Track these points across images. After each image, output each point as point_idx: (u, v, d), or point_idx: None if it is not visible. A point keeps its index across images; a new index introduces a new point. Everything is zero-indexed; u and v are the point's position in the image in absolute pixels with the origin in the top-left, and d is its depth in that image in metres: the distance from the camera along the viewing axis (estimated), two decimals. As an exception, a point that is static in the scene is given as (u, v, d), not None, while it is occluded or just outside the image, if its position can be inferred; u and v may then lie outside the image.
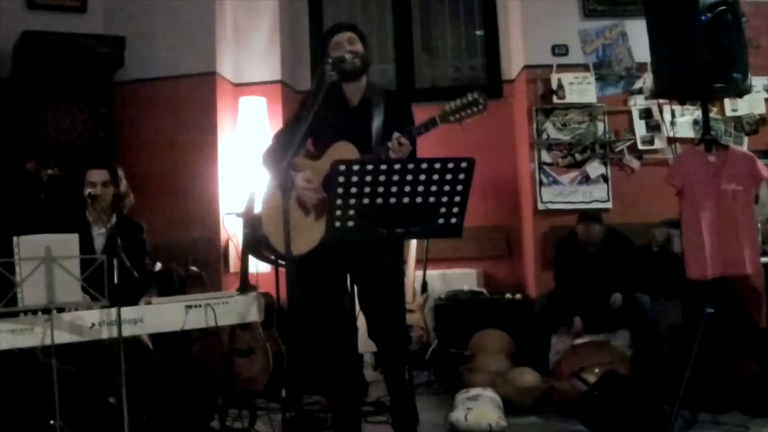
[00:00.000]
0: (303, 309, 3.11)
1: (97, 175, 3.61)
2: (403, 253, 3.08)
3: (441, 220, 2.40)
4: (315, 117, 2.84)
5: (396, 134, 2.76)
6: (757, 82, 4.47)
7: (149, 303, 3.30)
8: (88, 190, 3.55)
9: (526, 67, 5.26)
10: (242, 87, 5.47)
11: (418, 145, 2.96)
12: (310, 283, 3.01)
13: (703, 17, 3.32)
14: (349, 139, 2.88)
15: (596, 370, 3.85)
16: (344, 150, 2.88)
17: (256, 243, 4.04)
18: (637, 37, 4.98)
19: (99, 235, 3.57)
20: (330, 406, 3.22)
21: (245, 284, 3.75)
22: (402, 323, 3.06)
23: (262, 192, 3.17)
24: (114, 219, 3.64)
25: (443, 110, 2.74)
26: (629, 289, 4.35)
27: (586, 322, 4.38)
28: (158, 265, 4.50)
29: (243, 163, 5.17)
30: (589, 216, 4.56)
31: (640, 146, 5.14)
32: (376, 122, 2.92)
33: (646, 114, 5.15)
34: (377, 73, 5.76)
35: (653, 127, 5.14)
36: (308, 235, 2.82)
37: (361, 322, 3.08)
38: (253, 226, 3.92)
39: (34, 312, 2.84)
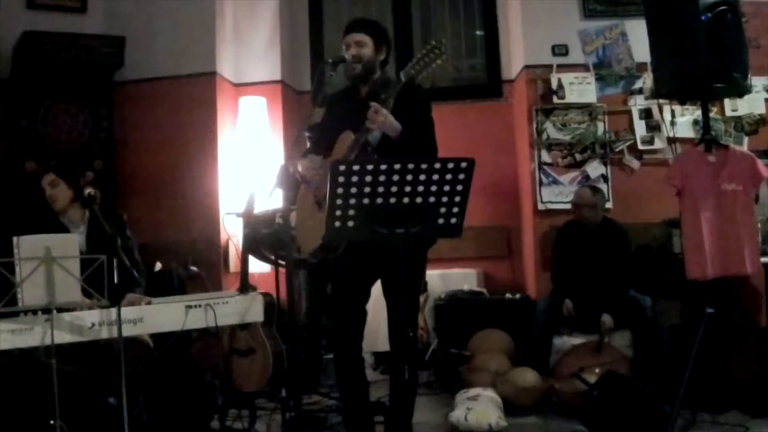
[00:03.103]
0: (333, 308, 3.13)
1: (44, 180, 3.60)
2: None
3: (441, 220, 2.40)
4: (333, 116, 2.88)
5: (372, 104, 2.78)
6: (757, 82, 4.46)
7: (149, 302, 3.31)
8: (46, 195, 3.57)
9: (526, 67, 5.26)
10: (242, 87, 5.47)
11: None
12: (341, 285, 3.04)
13: (703, 17, 3.33)
14: (357, 128, 2.90)
15: (596, 370, 3.86)
16: (344, 138, 2.92)
17: (256, 243, 4.05)
18: (637, 37, 4.97)
19: (79, 235, 3.56)
20: (343, 405, 3.22)
21: (245, 284, 3.75)
22: (416, 328, 3.09)
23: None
24: (86, 214, 3.62)
25: (406, 67, 2.76)
26: (624, 284, 4.36)
27: (587, 323, 4.38)
28: (158, 265, 4.51)
29: (243, 163, 5.17)
30: (584, 185, 4.64)
31: (640, 146, 5.14)
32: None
33: (646, 114, 5.15)
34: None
35: (653, 127, 5.13)
36: (318, 231, 2.84)
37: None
38: (253, 226, 3.93)
39: (34, 312, 2.84)
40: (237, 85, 5.46)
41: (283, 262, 3.94)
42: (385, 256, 2.87)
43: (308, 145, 3.33)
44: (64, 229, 3.54)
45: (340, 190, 2.30)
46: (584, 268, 4.47)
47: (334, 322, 3.15)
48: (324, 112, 3.23)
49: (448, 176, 2.33)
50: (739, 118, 5.08)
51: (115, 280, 2.93)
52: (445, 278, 5.27)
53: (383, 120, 2.75)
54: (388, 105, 2.77)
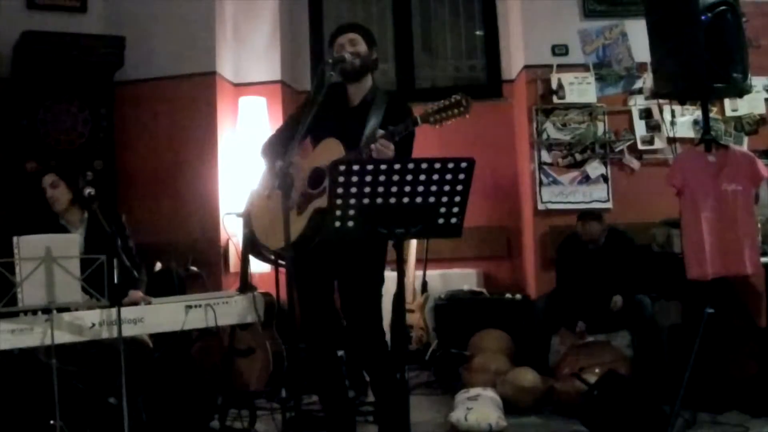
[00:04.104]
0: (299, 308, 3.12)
1: (45, 180, 3.59)
2: (385, 260, 3.06)
3: (441, 220, 2.39)
4: (316, 116, 2.86)
5: (379, 132, 2.77)
6: (757, 82, 4.46)
7: (149, 302, 3.31)
8: (46, 195, 3.56)
9: (526, 67, 5.26)
10: (242, 87, 5.47)
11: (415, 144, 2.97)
12: (301, 283, 3.03)
13: (703, 17, 3.32)
14: (342, 137, 2.89)
15: (596, 370, 3.85)
16: (331, 146, 2.89)
17: (256, 243, 4.04)
18: (637, 37, 4.97)
19: (78, 236, 3.56)
20: (322, 406, 3.22)
21: (245, 284, 3.75)
22: (380, 331, 3.02)
23: (252, 187, 3.17)
24: (85, 215, 3.62)
25: (425, 110, 2.73)
26: (631, 290, 4.35)
27: (587, 323, 4.37)
28: (158, 265, 4.51)
29: (243, 163, 5.17)
30: (586, 214, 4.59)
31: (640, 146, 5.14)
32: (372, 123, 2.92)
33: (646, 114, 5.15)
34: (377, 73, 5.76)
35: (653, 127, 5.14)
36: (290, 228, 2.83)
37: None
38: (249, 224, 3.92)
39: (34, 312, 2.85)
40: (237, 85, 5.46)
41: (283, 262, 3.93)
42: (342, 258, 2.88)
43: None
44: (63, 230, 3.53)
45: (340, 190, 2.30)
46: (590, 278, 4.45)
47: (303, 324, 3.12)
48: (302, 104, 3.16)
49: (448, 176, 2.32)
50: (739, 118, 5.08)
51: (115, 280, 2.93)
52: (445, 278, 5.27)
53: (389, 152, 2.75)
54: (393, 139, 2.76)
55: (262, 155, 3.09)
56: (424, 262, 5.15)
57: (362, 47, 3.01)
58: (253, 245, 3.98)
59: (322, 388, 3.17)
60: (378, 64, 3.15)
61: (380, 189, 2.30)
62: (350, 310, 3.02)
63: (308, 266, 2.97)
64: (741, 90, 3.54)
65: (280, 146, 2.97)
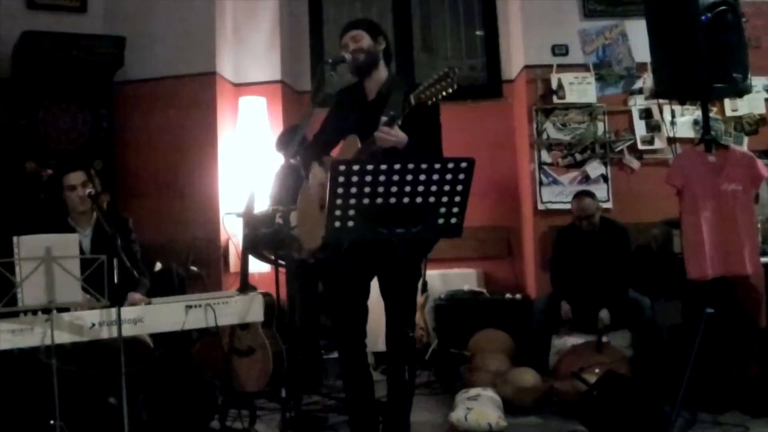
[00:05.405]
0: (331, 307, 3.13)
1: (76, 178, 3.55)
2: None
3: (441, 220, 2.39)
4: (338, 115, 2.87)
5: (382, 120, 2.77)
6: (757, 82, 4.46)
7: (149, 303, 3.31)
8: (73, 193, 3.53)
9: (526, 67, 5.26)
10: (242, 87, 5.47)
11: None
12: (337, 282, 3.03)
13: (703, 17, 3.32)
14: (362, 132, 2.89)
15: (596, 370, 3.85)
16: (350, 143, 2.91)
17: (256, 243, 4.04)
18: (637, 37, 4.98)
19: (85, 237, 3.56)
20: (348, 404, 3.21)
21: (245, 284, 3.75)
22: (412, 326, 3.09)
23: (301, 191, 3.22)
24: (93, 216, 3.60)
25: (417, 90, 2.72)
26: (624, 285, 4.36)
27: (587, 322, 4.37)
28: (158, 265, 4.51)
29: (243, 163, 5.17)
30: (580, 192, 4.63)
31: (640, 146, 5.15)
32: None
33: (646, 114, 5.16)
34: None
35: (653, 127, 5.14)
36: (321, 230, 2.84)
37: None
38: (253, 225, 3.93)
39: (34, 312, 2.84)
40: (237, 85, 5.46)
41: (283, 262, 3.94)
42: (382, 256, 2.88)
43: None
44: (71, 231, 3.51)
45: (340, 190, 2.30)
46: (585, 269, 4.48)
47: (335, 320, 3.15)
48: (329, 110, 3.21)
49: (448, 176, 2.33)
50: (739, 118, 5.08)
51: (115, 280, 2.93)
52: (445, 278, 5.27)
53: (394, 141, 2.75)
54: (396, 123, 2.76)
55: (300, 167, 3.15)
56: (424, 262, 5.14)
57: (365, 41, 3.01)
58: (255, 247, 3.99)
59: (349, 388, 3.16)
60: (390, 52, 3.13)
61: (380, 189, 2.30)
62: (391, 305, 3.01)
63: (346, 264, 2.98)
64: (741, 90, 3.53)
65: (316, 151, 3.07)
